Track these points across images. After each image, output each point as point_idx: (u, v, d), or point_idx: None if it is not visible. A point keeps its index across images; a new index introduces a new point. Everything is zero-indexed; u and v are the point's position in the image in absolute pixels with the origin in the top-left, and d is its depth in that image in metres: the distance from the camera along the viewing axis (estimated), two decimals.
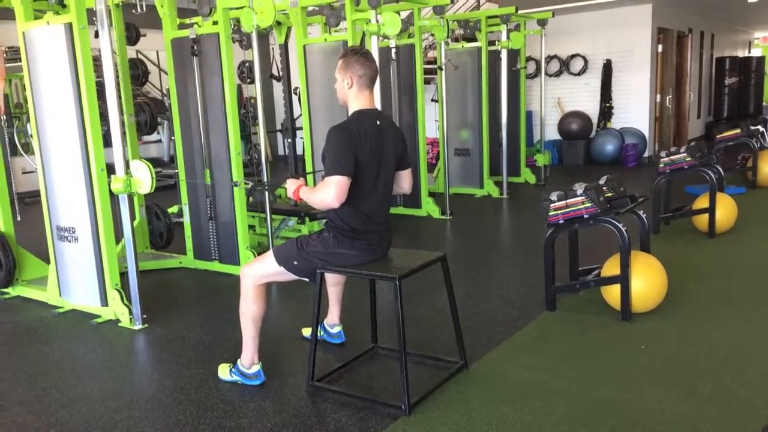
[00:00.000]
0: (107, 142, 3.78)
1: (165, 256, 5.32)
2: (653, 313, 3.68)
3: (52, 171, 4.10)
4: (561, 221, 3.70)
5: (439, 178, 7.88)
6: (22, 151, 7.23)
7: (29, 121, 4.22)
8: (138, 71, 5.30)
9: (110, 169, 3.82)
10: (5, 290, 4.62)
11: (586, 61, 10.32)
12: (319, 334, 3.27)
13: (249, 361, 3.02)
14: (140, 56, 8.38)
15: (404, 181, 3.02)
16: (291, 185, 2.86)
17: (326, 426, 2.67)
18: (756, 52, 17.96)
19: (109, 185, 3.78)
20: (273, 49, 8.56)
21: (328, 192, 2.67)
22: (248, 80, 6.94)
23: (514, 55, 8.10)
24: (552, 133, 10.29)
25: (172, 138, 5.57)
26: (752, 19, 14.27)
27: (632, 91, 10.12)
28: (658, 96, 10.56)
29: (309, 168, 6.11)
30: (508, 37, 7.58)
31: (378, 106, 4.07)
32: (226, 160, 4.71)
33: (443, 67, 6.82)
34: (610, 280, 3.66)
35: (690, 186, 7.06)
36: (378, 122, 2.83)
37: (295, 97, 6.86)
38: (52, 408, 2.91)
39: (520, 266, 4.86)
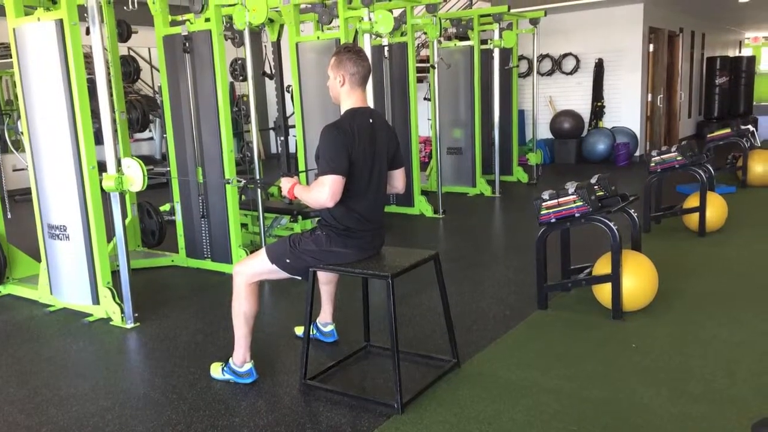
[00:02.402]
0: (98, 139, 3.77)
1: (157, 254, 5.30)
2: (644, 311, 3.70)
3: (43, 168, 4.07)
4: (553, 220, 3.71)
5: (432, 176, 7.89)
6: (12, 148, 7.18)
7: (20, 118, 4.19)
8: (129, 68, 5.27)
9: (101, 167, 3.80)
10: None
11: (578, 60, 10.35)
12: (311, 332, 3.27)
13: (241, 359, 3.01)
14: (132, 53, 8.34)
15: (397, 180, 3.02)
16: (285, 183, 2.86)
17: (319, 424, 2.67)
18: (746, 52, 18.08)
19: (101, 183, 3.77)
20: (265, 46, 8.53)
21: (323, 191, 2.66)
22: (240, 78, 6.92)
23: (506, 53, 8.11)
24: (544, 132, 10.32)
25: (164, 135, 5.55)
26: (743, 19, 14.35)
27: (624, 90, 10.16)
28: (650, 95, 10.60)
29: (302, 166, 6.10)
30: (500, 36, 7.58)
31: (370, 104, 4.08)
32: (218, 157, 4.70)
33: (436, 65, 6.83)
34: (602, 279, 3.67)
35: (681, 185, 7.10)
36: (371, 120, 2.82)
37: (287, 95, 6.84)
38: (43, 407, 2.90)
39: (512, 265, 4.87)
